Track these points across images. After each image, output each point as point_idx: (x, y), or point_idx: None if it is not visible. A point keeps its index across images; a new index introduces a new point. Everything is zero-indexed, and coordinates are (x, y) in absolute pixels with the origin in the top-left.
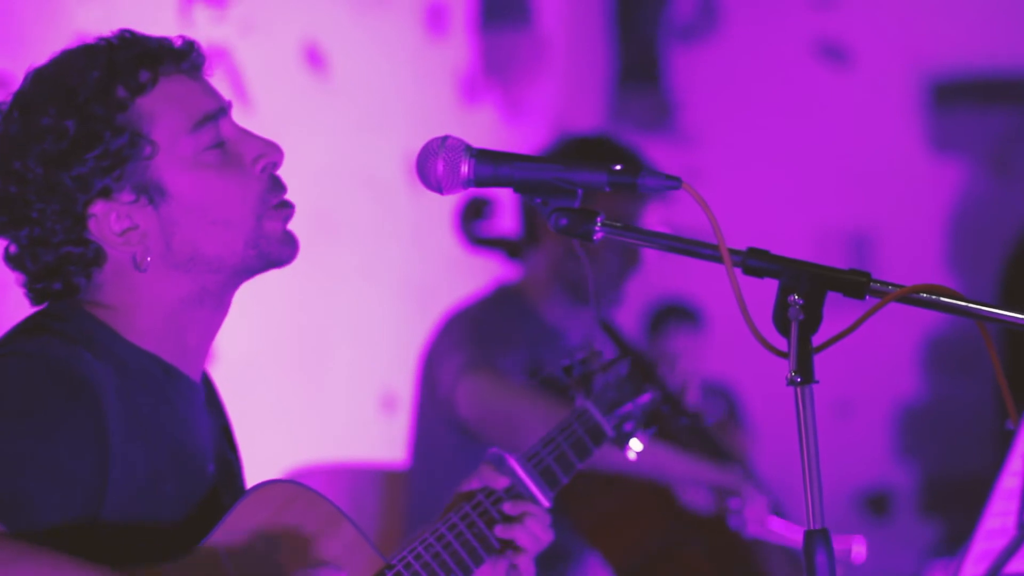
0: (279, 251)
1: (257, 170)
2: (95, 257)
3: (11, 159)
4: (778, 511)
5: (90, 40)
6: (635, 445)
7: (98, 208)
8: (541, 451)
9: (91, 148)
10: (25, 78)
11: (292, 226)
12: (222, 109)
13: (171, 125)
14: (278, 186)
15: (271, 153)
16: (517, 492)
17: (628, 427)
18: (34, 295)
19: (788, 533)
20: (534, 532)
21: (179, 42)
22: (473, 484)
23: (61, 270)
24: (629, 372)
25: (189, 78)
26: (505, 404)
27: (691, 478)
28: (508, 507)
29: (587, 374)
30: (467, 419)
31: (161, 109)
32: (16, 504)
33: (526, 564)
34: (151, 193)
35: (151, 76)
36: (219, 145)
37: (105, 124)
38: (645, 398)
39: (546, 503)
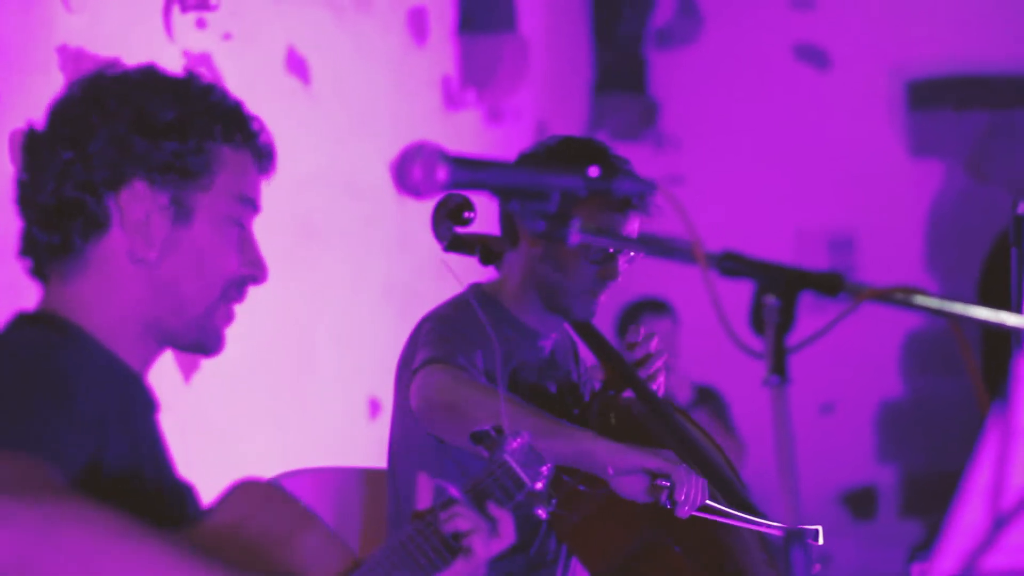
0: (210, 342)
1: (242, 273)
2: (103, 222)
3: (108, 99)
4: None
5: (215, 81)
6: (540, 513)
7: (137, 187)
8: (474, 489)
9: (174, 141)
10: (150, 66)
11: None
12: (256, 207)
13: (229, 182)
14: (240, 295)
15: (259, 273)
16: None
17: (539, 486)
18: (28, 241)
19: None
20: (486, 543)
21: (267, 142)
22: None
23: (68, 216)
24: (531, 442)
25: (257, 167)
26: (450, 395)
27: (621, 467)
28: (461, 523)
29: (497, 439)
30: (415, 410)
31: (230, 166)
32: (58, 451)
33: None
34: (180, 212)
35: (241, 140)
36: (241, 227)
37: (195, 138)
38: (547, 466)
39: None
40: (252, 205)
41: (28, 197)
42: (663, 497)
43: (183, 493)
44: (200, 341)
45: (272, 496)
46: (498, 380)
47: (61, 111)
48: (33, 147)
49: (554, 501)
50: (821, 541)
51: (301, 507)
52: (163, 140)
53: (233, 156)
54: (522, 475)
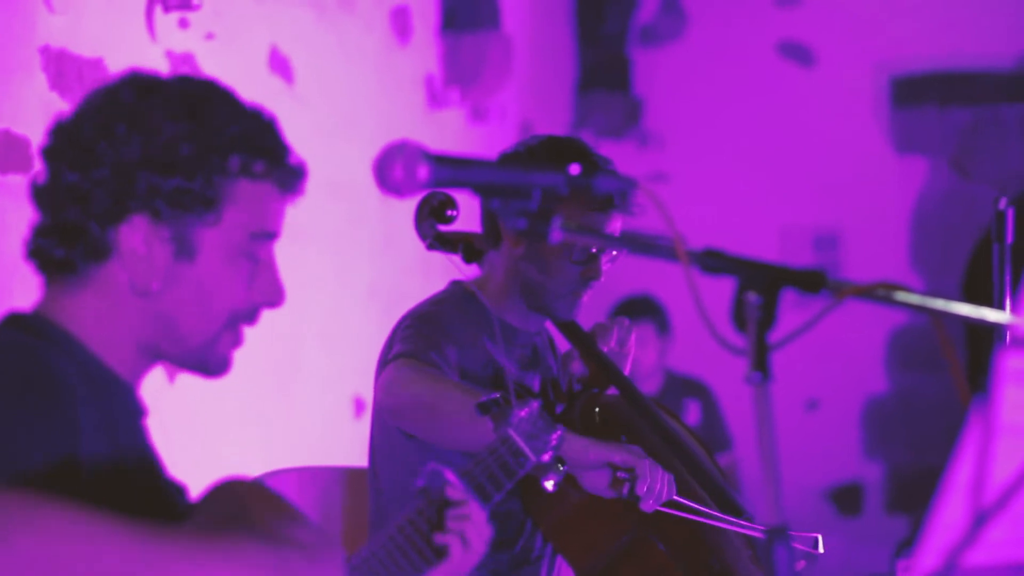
0: (214, 367)
1: (256, 298)
2: (104, 252)
3: (120, 124)
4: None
5: (247, 101)
6: (548, 485)
7: (137, 221)
8: (473, 469)
9: (179, 177)
10: (182, 80)
11: None
12: (275, 236)
13: (242, 217)
14: (252, 318)
15: (275, 298)
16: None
17: (546, 458)
18: (33, 247)
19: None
20: (477, 532)
21: (299, 163)
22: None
23: (71, 237)
24: (541, 409)
25: (281, 195)
26: (414, 390)
27: (585, 462)
28: (451, 513)
29: (504, 408)
30: (378, 406)
31: (245, 200)
32: (6, 462)
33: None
34: (182, 247)
35: (263, 171)
36: (253, 258)
37: (204, 173)
38: (557, 433)
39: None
40: (269, 237)
41: (37, 201)
42: (625, 490)
43: (173, 494)
44: (201, 366)
45: (255, 494)
46: (504, 365)
47: (77, 124)
48: (50, 152)
49: (564, 468)
50: (822, 549)
51: (286, 505)
52: (169, 176)
53: (250, 188)
54: (526, 449)
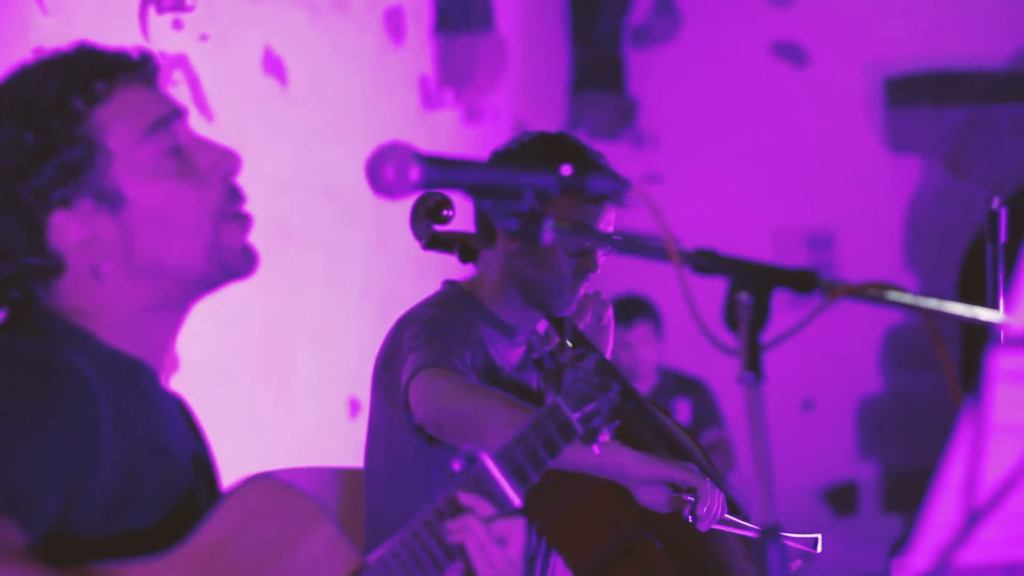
0: (238, 263)
1: (215, 178)
2: (55, 267)
3: None
4: (735, 508)
5: (47, 55)
6: (597, 448)
7: (58, 219)
8: (513, 448)
9: (48, 160)
10: None
11: (255, 235)
12: (175, 112)
13: (127, 132)
14: (236, 195)
15: (228, 161)
16: (488, 490)
17: (596, 422)
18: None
19: (742, 530)
20: (494, 539)
21: (135, 54)
22: (447, 489)
23: (21, 280)
24: (597, 366)
25: (144, 87)
26: (456, 403)
27: (648, 478)
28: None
29: (558, 367)
30: (421, 419)
31: (117, 118)
32: (26, 501)
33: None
34: (110, 201)
35: (106, 87)
36: (175, 152)
37: (62, 136)
38: (612, 393)
39: (517, 502)
40: (165, 121)
41: None
42: (686, 511)
43: (201, 480)
44: (224, 274)
45: (282, 494)
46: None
47: None
48: None
49: (616, 423)
50: (820, 549)
51: (312, 504)
52: (40, 168)
53: (109, 108)
54: (574, 422)
